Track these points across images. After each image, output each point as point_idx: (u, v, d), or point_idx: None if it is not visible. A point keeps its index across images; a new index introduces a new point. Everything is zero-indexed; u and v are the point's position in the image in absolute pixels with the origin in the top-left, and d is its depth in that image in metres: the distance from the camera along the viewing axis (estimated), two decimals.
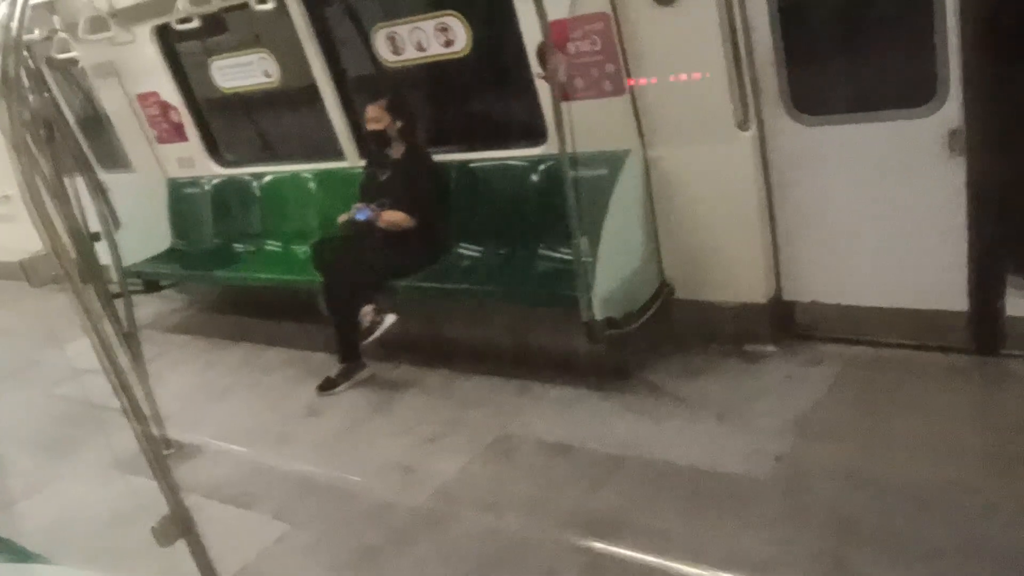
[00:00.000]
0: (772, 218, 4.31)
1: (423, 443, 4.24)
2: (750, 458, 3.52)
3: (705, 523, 3.19)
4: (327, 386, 4.99)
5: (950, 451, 3.28)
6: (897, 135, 3.83)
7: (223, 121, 6.72)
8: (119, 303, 4.46)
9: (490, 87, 5.31)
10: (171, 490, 2.18)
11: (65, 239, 2.03)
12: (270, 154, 6.68)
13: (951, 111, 3.66)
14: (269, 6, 5.07)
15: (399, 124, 5.05)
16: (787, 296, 4.45)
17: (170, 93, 6.51)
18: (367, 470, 4.10)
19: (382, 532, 3.55)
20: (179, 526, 2.18)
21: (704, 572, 2.96)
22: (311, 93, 5.69)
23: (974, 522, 2.87)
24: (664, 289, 4.59)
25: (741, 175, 4.20)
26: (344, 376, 5.00)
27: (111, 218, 4.81)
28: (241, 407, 5.13)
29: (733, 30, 3.96)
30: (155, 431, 3.94)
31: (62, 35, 6.12)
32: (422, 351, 5.17)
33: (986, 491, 3.01)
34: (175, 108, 6.56)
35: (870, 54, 3.93)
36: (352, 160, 5.81)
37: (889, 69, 3.91)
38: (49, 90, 6.94)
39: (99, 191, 4.71)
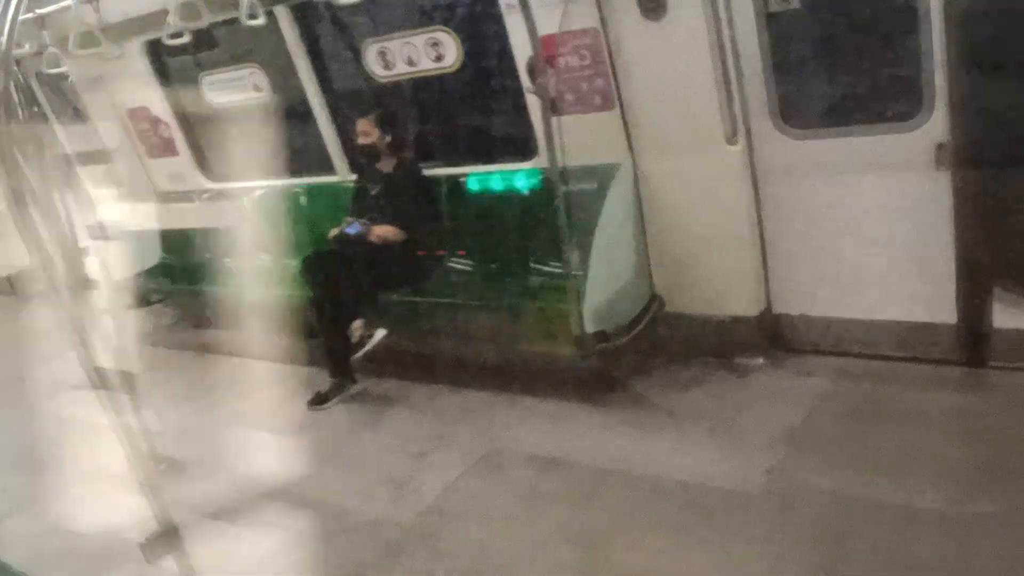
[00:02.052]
0: (761, 231, 4.34)
1: (413, 458, 4.22)
2: (740, 472, 3.52)
3: (695, 537, 3.19)
4: (317, 401, 4.97)
5: (940, 463, 3.30)
6: (884, 149, 3.87)
7: (214, 136, 6.71)
8: (108, 318, 4.44)
9: (480, 102, 5.33)
10: (160, 506, 2.17)
11: (54, 254, 2.02)
12: (260, 168, 6.66)
13: (938, 125, 3.70)
14: (260, 21, 5.08)
15: (389, 138, 5.06)
16: (776, 309, 4.46)
17: (160, 108, 6.51)
18: (357, 485, 4.08)
19: (373, 548, 3.53)
20: (168, 542, 2.17)
21: None
22: (302, 108, 5.70)
23: (964, 536, 2.88)
24: (654, 302, 4.60)
25: (730, 188, 4.22)
26: (334, 391, 4.98)
27: (100, 232, 4.79)
28: (231, 422, 5.10)
29: (721, 44, 4.00)
30: (144, 447, 3.92)
31: (52, 50, 6.11)
32: (412, 365, 5.17)
33: (976, 504, 3.02)
34: (165, 123, 6.56)
35: (857, 68, 3.98)
36: (342, 174, 5.82)
37: (876, 83, 3.95)
38: (39, 105, 6.93)
39: (89, 206, 4.69)
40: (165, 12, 5.31)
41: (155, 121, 6.60)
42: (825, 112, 4.11)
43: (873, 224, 4.02)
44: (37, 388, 5.94)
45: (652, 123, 4.31)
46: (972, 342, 3.92)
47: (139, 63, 6.26)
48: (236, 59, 6.03)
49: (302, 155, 6.14)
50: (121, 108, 6.69)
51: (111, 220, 6.00)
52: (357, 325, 4.86)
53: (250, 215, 6.37)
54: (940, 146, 3.71)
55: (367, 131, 5.04)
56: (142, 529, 2.16)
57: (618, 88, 4.29)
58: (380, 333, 4.90)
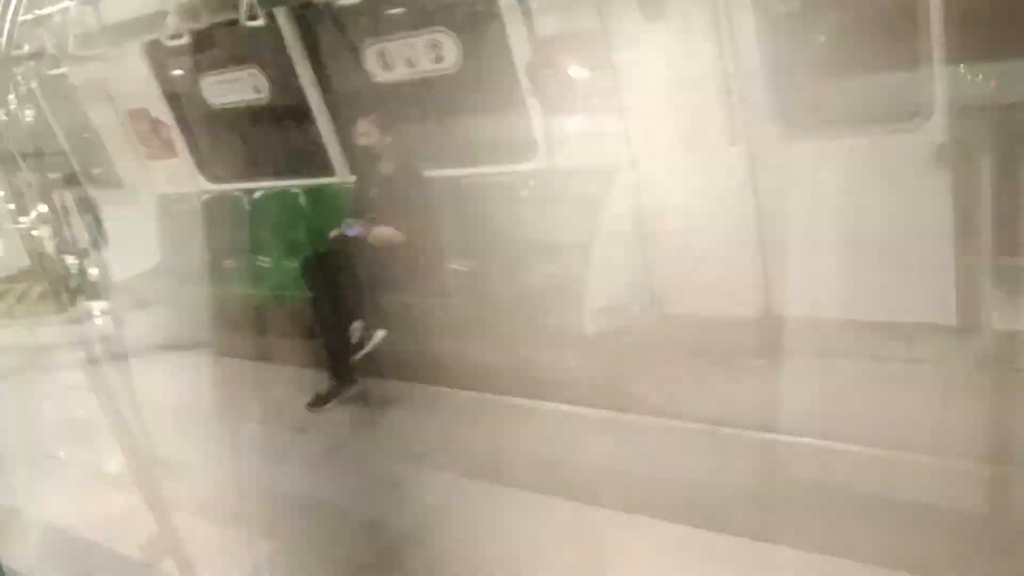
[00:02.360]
0: (761, 232, 4.33)
1: (413, 460, 4.21)
2: (743, 473, 3.51)
3: (698, 539, 3.18)
4: (317, 402, 4.96)
5: (940, 464, 3.29)
6: (885, 149, 3.87)
7: (213, 137, 6.71)
8: (108, 319, 4.44)
9: (481, 103, 5.32)
10: (159, 508, 2.17)
11: (54, 255, 2.02)
12: (260, 170, 6.67)
13: (938, 125, 3.69)
14: (259, 23, 5.08)
15: (389, 139, 5.06)
16: (777, 310, 4.46)
17: (160, 109, 6.51)
18: (357, 487, 4.08)
19: (372, 550, 3.52)
20: (166, 544, 2.16)
21: None
22: (302, 109, 5.70)
23: (968, 535, 2.88)
24: (654, 303, 4.60)
25: (730, 189, 4.22)
26: (334, 392, 4.98)
27: (100, 234, 4.78)
28: (230, 424, 5.10)
29: (722, 46, 4.00)
30: (142, 448, 3.92)
31: (52, 52, 6.11)
32: (412, 367, 5.15)
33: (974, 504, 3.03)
34: (165, 124, 6.56)
35: (857, 69, 3.97)
36: (342, 175, 5.81)
37: (876, 84, 3.94)
38: (38, 107, 6.92)
39: (88, 207, 4.69)
40: (164, 13, 5.32)
41: (154, 123, 6.59)
42: (826, 113, 4.10)
43: (874, 224, 4.01)
44: (37, 389, 5.94)
45: (652, 124, 4.30)
46: (970, 344, 3.91)
47: (139, 65, 6.25)
48: (236, 60, 6.02)
49: (302, 156, 6.14)
50: (120, 109, 6.69)
51: (111, 222, 5.97)
52: (357, 326, 4.87)
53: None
54: (941, 146, 3.71)
55: (367, 132, 5.04)
56: (141, 531, 2.15)
57: (618, 90, 4.29)
58: (379, 334, 4.90)
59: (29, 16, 5.68)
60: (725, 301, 4.41)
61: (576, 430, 4.18)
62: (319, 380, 5.04)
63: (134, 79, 6.37)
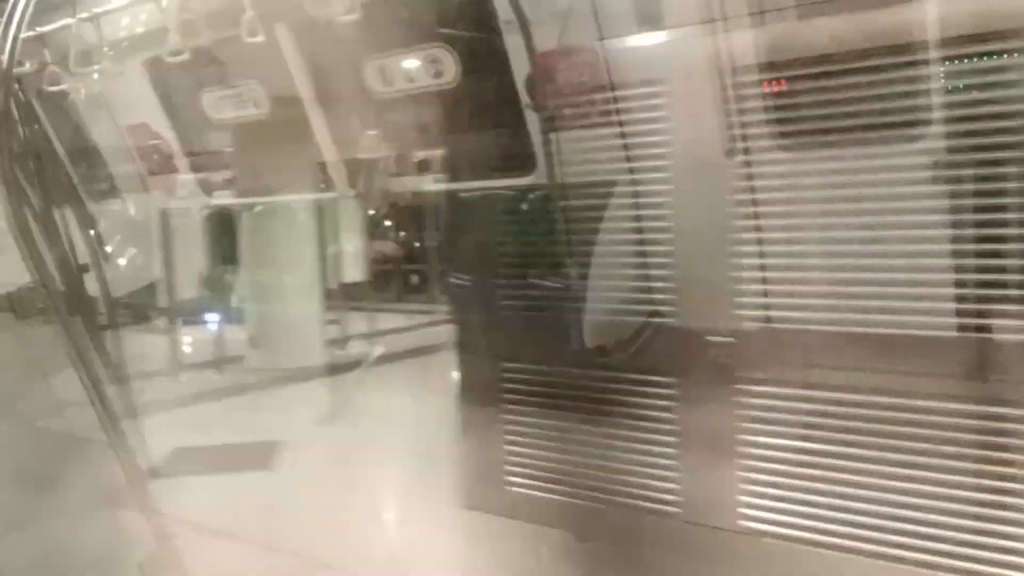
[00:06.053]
0: (761, 245, 4.33)
1: (413, 468, 4.21)
2: (742, 488, 3.50)
3: (696, 560, 3.17)
4: (317, 415, 4.96)
5: (942, 473, 3.29)
6: (884, 162, 3.87)
7: (214, 152, 6.73)
8: (107, 334, 4.44)
9: (479, 117, 5.34)
10: (158, 523, 2.16)
11: (53, 271, 2.03)
12: (261, 184, 6.68)
13: (936, 138, 3.70)
14: (260, 39, 5.10)
15: (389, 154, 5.08)
16: (777, 323, 4.45)
17: (161, 125, 6.53)
18: (355, 496, 4.07)
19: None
20: (166, 560, 2.16)
21: None
22: (301, 123, 5.71)
23: None
24: (653, 317, 4.59)
25: (730, 203, 4.22)
26: (332, 405, 4.98)
27: (100, 250, 4.79)
28: (230, 437, 5.09)
29: (719, 58, 4.01)
30: (142, 463, 3.91)
31: (53, 68, 6.13)
32: (409, 379, 5.15)
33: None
34: (165, 139, 6.58)
35: (856, 81, 3.98)
36: (343, 190, 5.82)
37: (876, 96, 3.95)
38: (39, 123, 6.94)
39: (88, 223, 4.70)
40: (166, 30, 5.34)
41: (155, 138, 6.62)
42: (825, 125, 4.11)
43: (873, 237, 4.02)
44: (35, 404, 5.93)
45: (651, 138, 4.32)
46: (971, 356, 3.90)
47: (139, 80, 6.28)
48: (236, 75, 6.04)
49: (303, 170, 6.14)
50: (121, 125, 6.71)
51: (111, 237, 5.98)
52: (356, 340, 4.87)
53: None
54: (938, 160, 3.72)
55: (367, 147, 5.06)
56: (140, 547, 2.15)
57: (616, 103, 4.31)
58: (378, 349, 4.91)
59: (31, 33, 5.71)
60: None
61: None
62: None
63: (135, 95, 6.39)
